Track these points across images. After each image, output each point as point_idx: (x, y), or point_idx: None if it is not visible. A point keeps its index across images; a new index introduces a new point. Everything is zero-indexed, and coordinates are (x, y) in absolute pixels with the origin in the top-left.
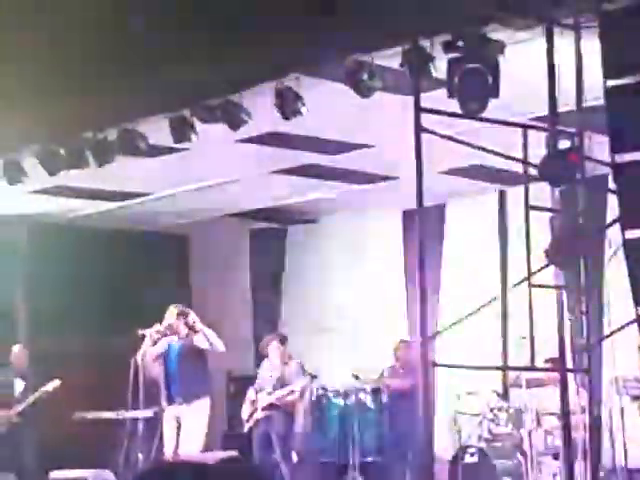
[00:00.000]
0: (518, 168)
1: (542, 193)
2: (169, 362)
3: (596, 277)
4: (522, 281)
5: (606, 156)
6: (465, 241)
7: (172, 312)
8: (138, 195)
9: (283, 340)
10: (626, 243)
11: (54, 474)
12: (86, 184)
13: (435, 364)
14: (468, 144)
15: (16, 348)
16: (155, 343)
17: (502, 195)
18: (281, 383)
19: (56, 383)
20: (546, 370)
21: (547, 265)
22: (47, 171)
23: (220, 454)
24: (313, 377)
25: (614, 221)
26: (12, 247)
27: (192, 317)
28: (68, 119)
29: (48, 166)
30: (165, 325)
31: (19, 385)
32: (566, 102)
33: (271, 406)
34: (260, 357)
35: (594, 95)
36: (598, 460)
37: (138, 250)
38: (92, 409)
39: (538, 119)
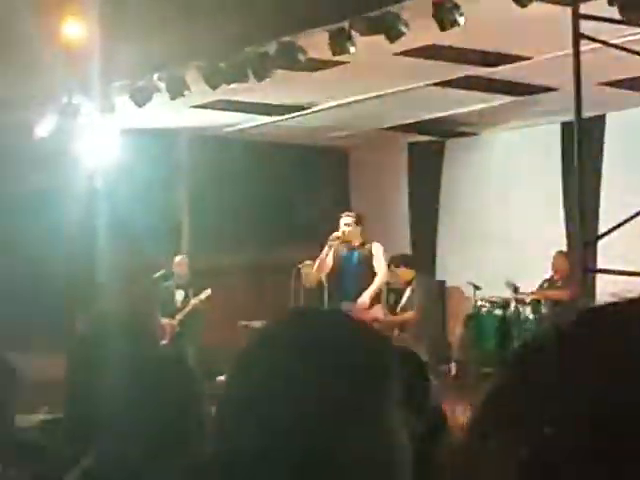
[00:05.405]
0: None
1: None
2: (345, 266)
3: None
4: None
5: None
6: (626, 154)
7: (346, 220)
8: (298, 108)
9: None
10: None
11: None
12: (247, 98)
13: (594, 270)
14: (629, 50)
15: (178, 258)
16: (332, 251)
17: None
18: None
19: (208, 292)
20: None
21: None
22: (209, 85)
23: None
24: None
25: None
26: (175, 159)
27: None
28: (229, 35)
29: (210, 80)
30: (341, 233)
31: (179, 295)
32: None
33: None
34: None
35: None
36: None
37: (296, 165)
38: (253, 319)
39: None
